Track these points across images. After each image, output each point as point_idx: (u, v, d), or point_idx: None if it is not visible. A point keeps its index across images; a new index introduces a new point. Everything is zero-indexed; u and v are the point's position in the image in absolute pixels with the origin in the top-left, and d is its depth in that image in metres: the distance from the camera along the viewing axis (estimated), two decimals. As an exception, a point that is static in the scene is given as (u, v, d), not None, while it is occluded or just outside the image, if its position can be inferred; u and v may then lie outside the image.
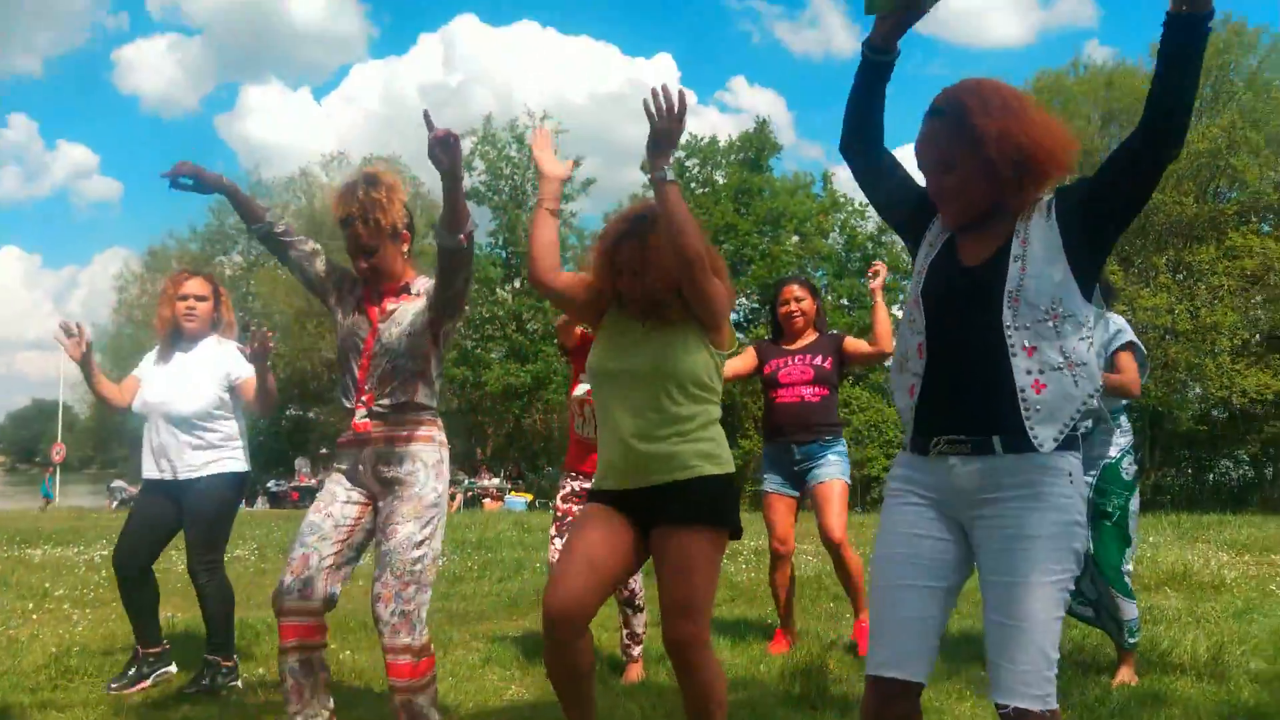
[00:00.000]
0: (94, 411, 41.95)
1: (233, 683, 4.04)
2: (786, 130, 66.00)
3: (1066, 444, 1.94)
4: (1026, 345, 1.93)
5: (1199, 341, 23.16)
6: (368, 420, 3.01)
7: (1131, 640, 3.93)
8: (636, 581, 4.16)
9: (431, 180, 43.32)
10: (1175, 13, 1.84)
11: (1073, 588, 1.99)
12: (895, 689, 1.96)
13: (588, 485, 4.19)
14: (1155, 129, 1.90)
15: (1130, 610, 3.91)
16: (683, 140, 25.39)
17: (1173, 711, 3.47)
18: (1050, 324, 1.93)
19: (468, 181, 31.55)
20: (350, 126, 62.24)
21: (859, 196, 30.12)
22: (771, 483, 4.72)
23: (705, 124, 53.89)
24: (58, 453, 37.44)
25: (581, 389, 4.26)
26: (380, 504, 3.00)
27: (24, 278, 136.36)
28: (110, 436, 39.90)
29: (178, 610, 6.03)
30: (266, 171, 48.71)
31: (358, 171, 3.15)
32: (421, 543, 2.92)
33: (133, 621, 4.21)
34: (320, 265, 3.21)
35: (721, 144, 30.64)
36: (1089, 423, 3.73)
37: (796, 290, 4.70)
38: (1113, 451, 3.91)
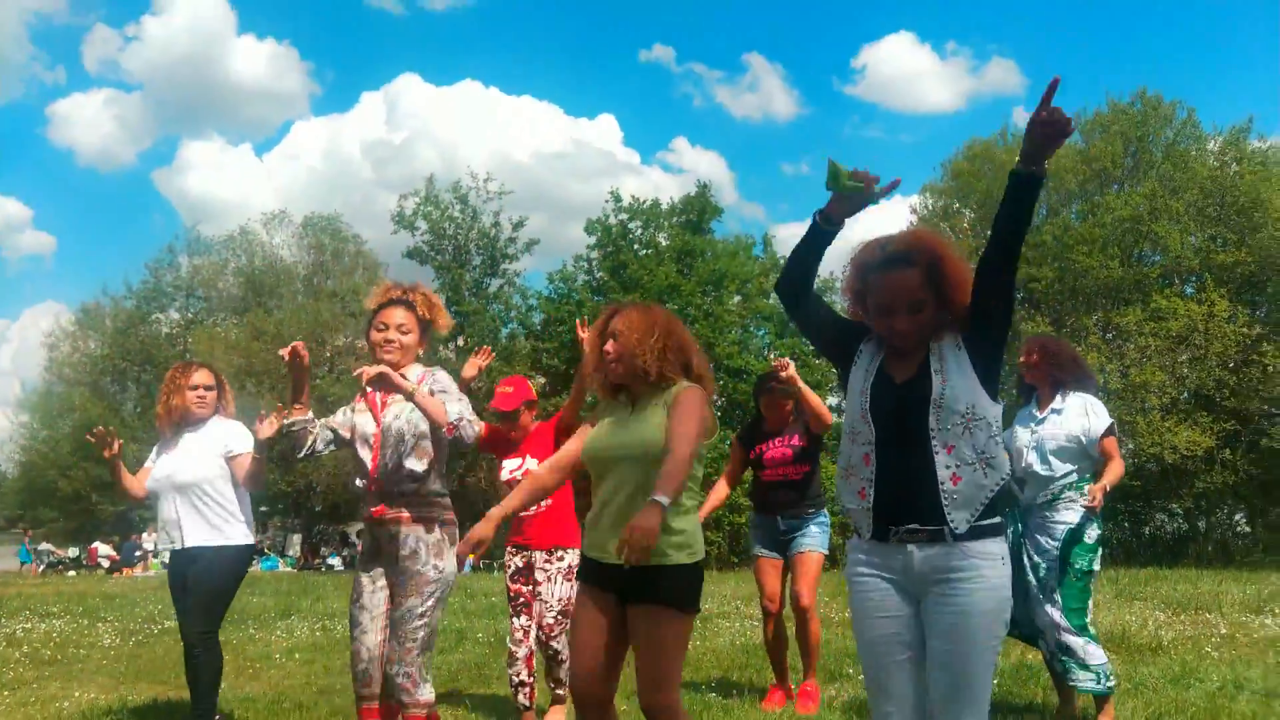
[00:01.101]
0: (21, 471, 40.44)
1: None
2: (728, 189, 66.82)
3: (993, 531, 2.34)
4: (949, 444, 2.31)
5: (1130, 399, 23.82)
6: (382, 506, 3.46)
7: (1108, 684, 4.22)
8: (560, 641, 4.61)
9: (372, 237, 43.05)
10: (1022, 171, 2.24)
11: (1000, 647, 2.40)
12: None
13: (528, 555, 4.77)
14: (1003, 252, 2.31)
15: (1097, 655, 4.22)
16: (626, 203, 25.46)
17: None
18: (965, 426, 2.31)
19: (410, 241, 31.64)
20: (292, 182, 61.54)
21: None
22: (761, 549, 5.24)
23: (648, 183, 54.20)
24: (-19, 515, 36.01)
25: (505, 472, 4.83)
26: (391, 577, 3.51)
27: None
28: (37, 498, 38.41)
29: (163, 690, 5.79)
30: (206, 228, 48.08)
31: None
32: (422, 614, 3.43)
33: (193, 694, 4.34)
34: (336, 422, 3.64)
35: (664, 206, 31.07)
36: (1055, 489, 4.24)
37: (779, 396, 5.14)
38: (1074, 517, 4.29)
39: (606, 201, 30.88)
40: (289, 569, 26.51)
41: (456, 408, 3.35)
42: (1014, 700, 4.92)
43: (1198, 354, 23.85)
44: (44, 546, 30.37)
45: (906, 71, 60.38)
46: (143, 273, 37.61)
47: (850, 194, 2.42)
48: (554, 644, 4.65)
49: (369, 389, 3.43)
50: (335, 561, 27.60)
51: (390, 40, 72.46)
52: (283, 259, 37.18)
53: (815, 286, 2.57)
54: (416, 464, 3.45)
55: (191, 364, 4.62)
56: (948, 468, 2.30)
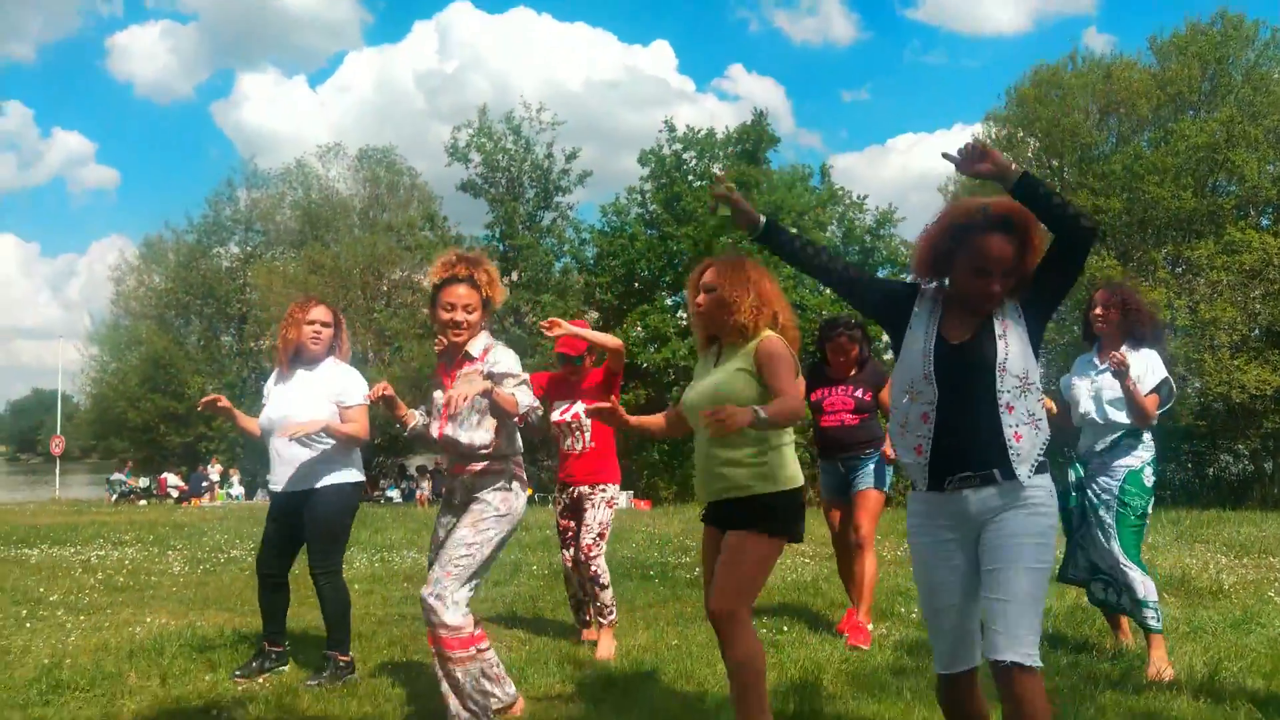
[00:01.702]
0: (94, 403, 41.74)
1: (350, 675, 4.37)
2: (785, 118, 65.97)
3: (1040, 469, 2.55)
4: (1010, 405, 2.51)
5: (1198, 336, 23.10)
6: (458, 465, 3.69)
7: (1155, 622, 4.35)
8: (599, 563, 4.90)
9: (426, 168, 43.04)
10: (1012, 188, 2.49)
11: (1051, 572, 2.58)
12: (962, 677, 2.59)
13: (578, 491, 5.08)
14: (1067, 241, 2.51)
15: (1149, 588, 4.38)
16: (680, 132, 24.88)
17: (1169, 732, 3.46)
18: (1022, 389, 2.52)
19: (463, 173, 31.57)
20: (345, 114, 62.15)
21: (856, 189, 30.08)
22: (828, 493, 5.56)
23: (704, 112, 53.74)
24: (56, 445, 37.34)
25: (556, 413, 5.08)
26: (458, 517, 3.67)
27: (21, 265, 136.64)
28: (108, 429, 39.70)
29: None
30: (263, 161, 48.49)
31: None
32: (470, 544, 3.53)
33: (265, 621, 4.61)
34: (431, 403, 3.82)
35: (719, 136, 30.51)
36: (1113, 437, 4.43)
37: (845, 341, 5.36)
38: (1135, 461, 4.49)
39: (660, 131, 30.48)
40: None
41: (526, 398, 3.54)
42: (1067, 640, 4.89)
43: (1272, 289, 22.98)
44: (116, 476, 31.41)
45: (972, -9, 58.19)
46: (203, 206, 38.12)
47: (730, 211, 2.75)
48: (593, 565, 4.92)
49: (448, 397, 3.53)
50: (394, 494, 28.20)
51: (442, -32, 71.66)
52: (338, 192, 37.40)
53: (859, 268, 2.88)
54: (483, 435, 3.62)
55: (311, 299, 4.70)
56: (1010, 426, 2.50)
